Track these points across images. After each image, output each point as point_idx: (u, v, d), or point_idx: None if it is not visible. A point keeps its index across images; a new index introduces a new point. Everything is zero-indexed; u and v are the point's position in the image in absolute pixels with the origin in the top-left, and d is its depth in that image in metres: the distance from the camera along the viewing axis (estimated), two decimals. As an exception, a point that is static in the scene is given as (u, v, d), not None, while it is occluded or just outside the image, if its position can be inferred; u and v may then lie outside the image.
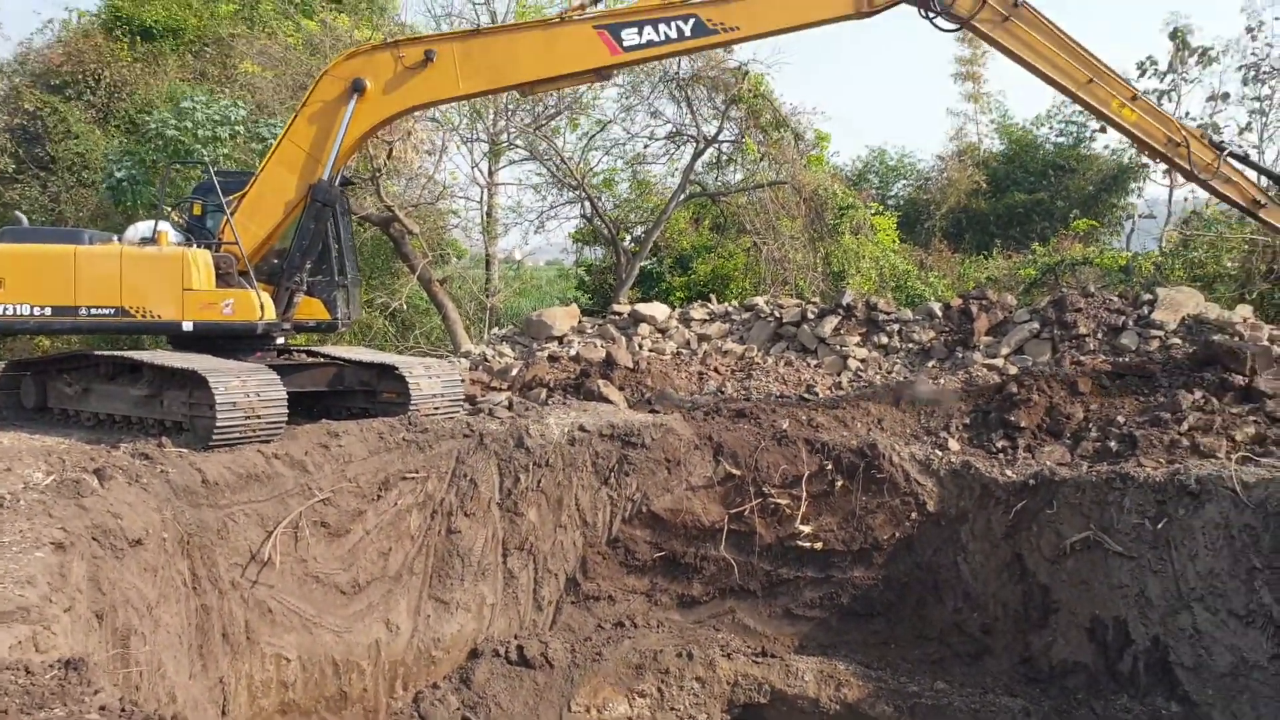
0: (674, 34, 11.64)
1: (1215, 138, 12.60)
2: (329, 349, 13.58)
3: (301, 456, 10.61)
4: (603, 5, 12.13)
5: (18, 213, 16.22)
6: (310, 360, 12.79)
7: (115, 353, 11.76)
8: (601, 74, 12.13)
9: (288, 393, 11.07)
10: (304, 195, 12.17)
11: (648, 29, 11.64)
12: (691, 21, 11.59)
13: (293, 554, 10.31)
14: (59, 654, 5.84)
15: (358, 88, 11.82)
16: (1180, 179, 28.37)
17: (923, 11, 11.92)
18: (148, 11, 26.35)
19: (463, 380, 13.63)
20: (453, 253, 27.37)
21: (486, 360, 17.64)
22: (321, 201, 12.15)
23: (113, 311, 11.56)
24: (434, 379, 12.55)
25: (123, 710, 4.47)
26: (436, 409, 12.42)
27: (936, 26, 12.05)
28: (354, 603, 10.89)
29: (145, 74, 24.62)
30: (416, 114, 20.85)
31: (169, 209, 15.44)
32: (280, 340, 12.82)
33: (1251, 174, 13.20)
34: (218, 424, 10.22)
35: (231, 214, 12.13)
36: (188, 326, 11.56)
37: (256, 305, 11.65)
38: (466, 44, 11.80)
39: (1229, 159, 12.50)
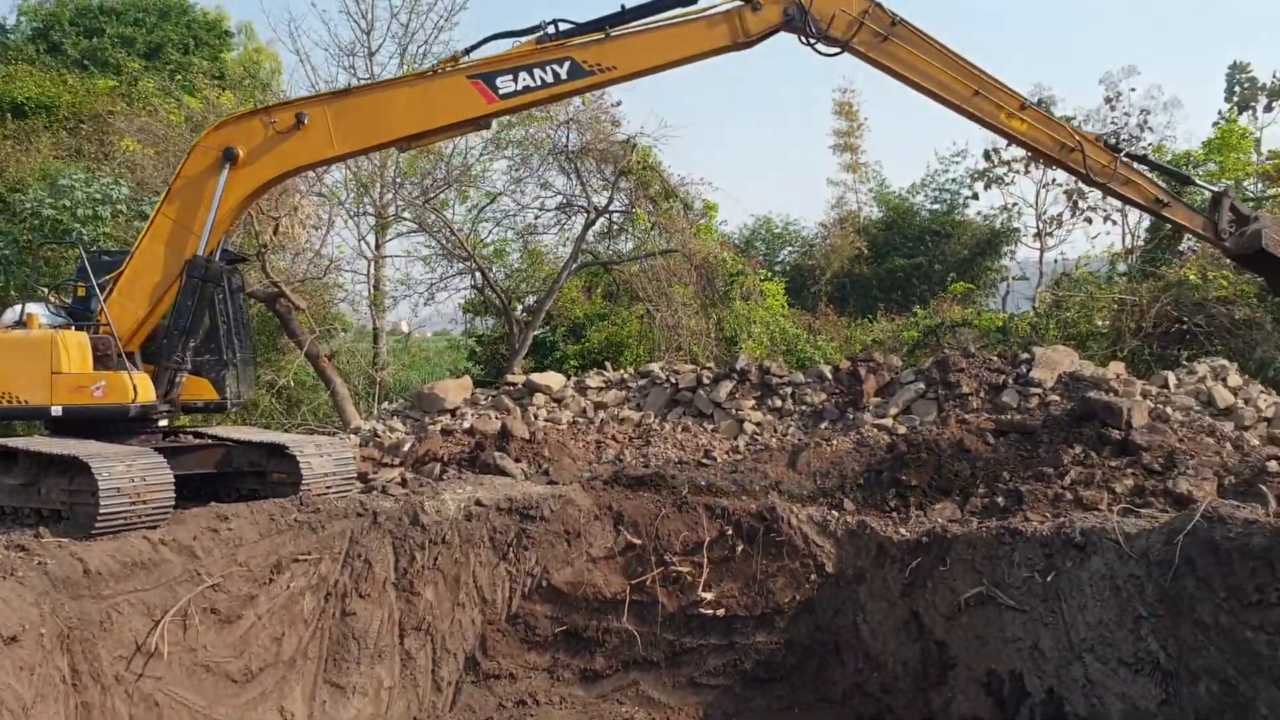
0: (550, 78, 11.49)
1: (1111, 140, 12.58)
2: (217, 429, 13.18)
3: (190, 541, 10.23)
4: (477, 56, 11.94)
5: None
6: (197, 442, 12.39)
7: None
8: (479, 124, 11.86)
9: (175, 476, 10.70)
10: (180, 271, 11.79)
11: (523, 75, 11.47)
12: (567, 64, 11.45)
13: (181, 643, 9.88)
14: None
15: (229, 156, 11.49)
16: (1051, 242, 29.92)
17: (802, 39, 11.68)
18: (19, 88, 25.66)
19: (354, 458, 13.35)
20: (340, 327, 26.98)
21: (377, 436, 17.32)
22: (198, 277, 11.74)
23: None
24: (325, 457, 12.27)
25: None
26: (329, 488, 12.13)
27: (817, 52, 11.78)
28: (246, 691, 10.46)
29: (16, 151, 23.84)
30: (299, 180, 20.66)
31: (44, 290, 14.92)
32: (164, 422, 12.38)
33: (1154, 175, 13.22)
34: (101, 511, 9.81)
35: (108, 294, 11.76)
36: (56, 411, 11.10)
37: (129, 387, 11.20)
38: (338, 104, 11.55)
39: (1126, 159, 12.19)
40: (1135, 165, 12.41)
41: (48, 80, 26.41)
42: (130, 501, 10.07)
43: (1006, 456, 13.40)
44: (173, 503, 10.59)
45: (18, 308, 11.98)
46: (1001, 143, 29.61)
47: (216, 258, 12.15)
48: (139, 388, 11.38)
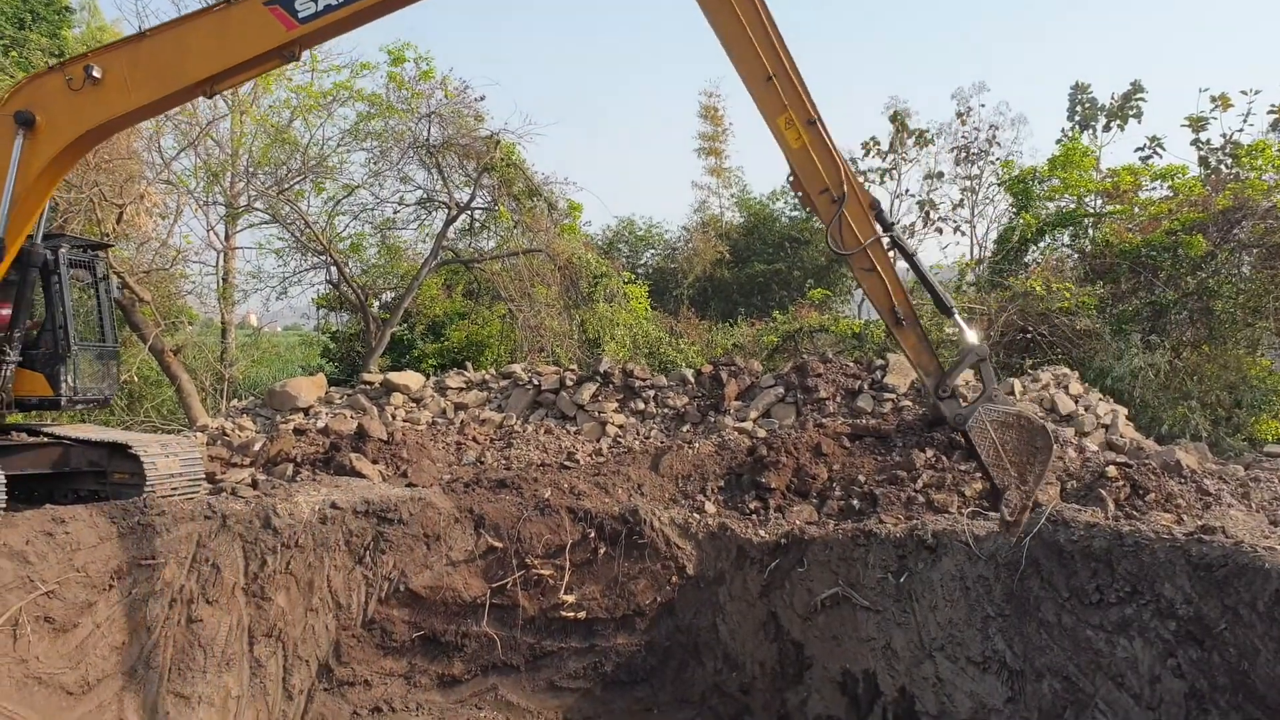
0: None
1: (888, 218, 9.61)
2: (54, 428, 12.40)
3: (22, 546, 9.59)
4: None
5: None
6: (31, 440, 11.64)
7: None
8: (284, 54, 10.51)
9: (5, 476, 10.02)
10: None
11: None
12: None
13: (11, 654, 9.26)
14: None
15: (22, 121, 10.52)
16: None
17: None
18: None
19: (202, 457, 12.78)
20: (186, 320, 25.85)
21: (225, 434, 16.67)
22: None
23: None
24: (171, 457, 11.71)
25: None
26: (174, 490, 11.58)
27: None
28: (82, 703, 9.88)
29: None
30: (144, 167, 19.70)
31: None
32: None
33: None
34: None
35: None
36: None
37: None
38: (133, 50, 10.53)
39: (890, 240, 9.56)
40: (906, 262, 9.82)
41: None
42: None
43: (862, 460, 13.74)
44: (4, 505, 9.93)
45: None
46: (859, 152, 30.56)
47: (38, 240, 11.36)
48: None
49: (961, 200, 30.38)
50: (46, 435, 11.83)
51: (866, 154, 30.53)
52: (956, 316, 9.59)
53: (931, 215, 29.83)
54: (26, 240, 11.13)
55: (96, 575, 10.12)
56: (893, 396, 15.62)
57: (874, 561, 11.65)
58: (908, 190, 31.16)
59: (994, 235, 29.06)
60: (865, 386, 16.04)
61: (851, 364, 16.94)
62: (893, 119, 30.20)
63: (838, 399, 15.88)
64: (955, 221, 29.85)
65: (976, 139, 29.91)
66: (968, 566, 10.87)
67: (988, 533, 10.99)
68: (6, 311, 11.44)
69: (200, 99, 13.85)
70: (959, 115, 30.18)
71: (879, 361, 16.77)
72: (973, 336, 9.48)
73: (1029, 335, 19.54)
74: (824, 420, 15.16)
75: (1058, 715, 9.90)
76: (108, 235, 18.43)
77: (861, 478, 13.31)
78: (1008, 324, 19.59)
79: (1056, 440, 9.23)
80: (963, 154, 30.06)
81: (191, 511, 11.23)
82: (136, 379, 22.16)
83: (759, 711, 12.35)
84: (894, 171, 30.71)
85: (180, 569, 10.88)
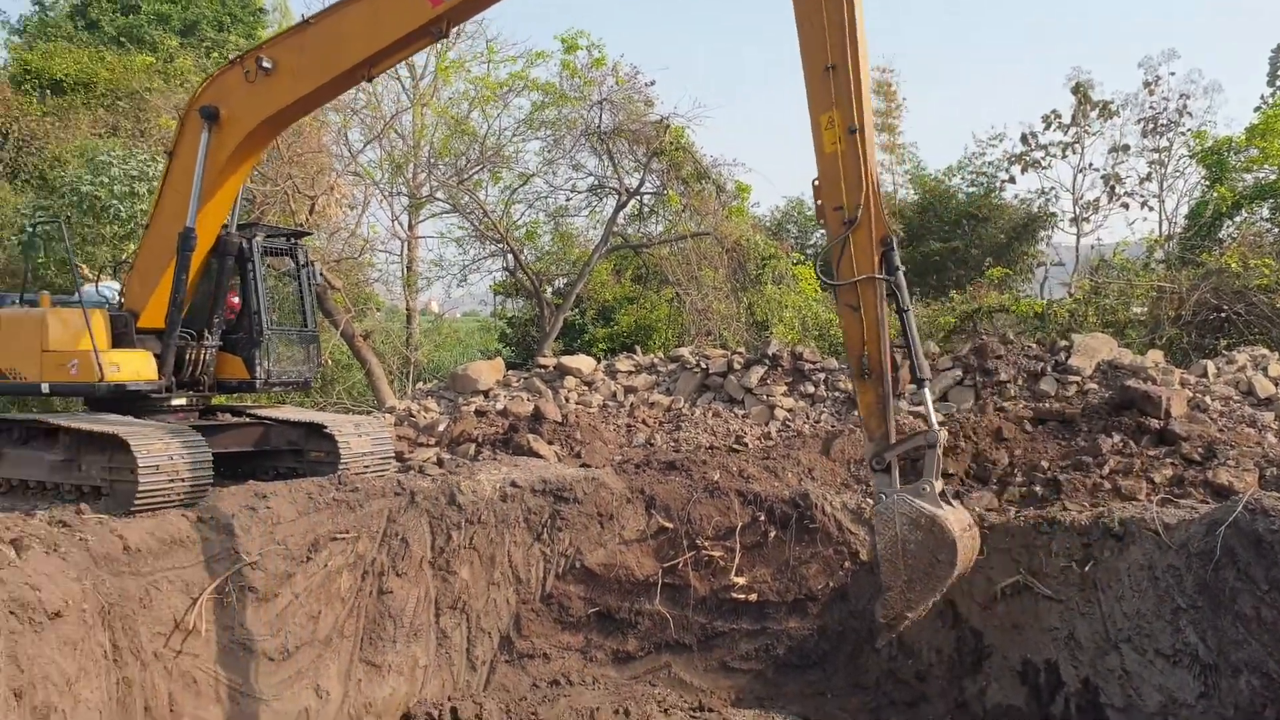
0: None
1: (896, 261, 8.40)
2: (256, 409, 13.21)
3: (228, 519, 10.29)
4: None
5: None
6: (235, 420, 12.46)
7: (29, 416, 11.36)
8: (432, 31, 10.63)
9: (213, 454, 10.76)
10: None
11: None
12: None
13: (219, 621, 9.96)
14: (-20, 738, 5.55)
15: (208, 115, 11.12)
16: (1088, 227, 29.62)
17: None
18: (58, 65, 25.89)
19: (392, 438, 13.40)
20: (373, 306, 27.13)
21: (412, 415, 17.41)
22: (184, 250, 11.26)
23: None
24: (364, 437, 12.32)
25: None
26: (367, 468, 12.19)
27: None
28: (282, 669, 10.54)
29: (55, 128, 24.07)
30: (334, 160, 20.69)
31: (79, 264, 15.02)
32: (179, 400, 12.08)
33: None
34: (140, 488, 9.89)
35: (131, 270, 11.79)
36: (45, 388, 11.20)
37: (95, 366, 11.00)
38: (299, 38, 11.03)
39: (884, 281, 8.40)
40: (898, 316, 8.71)
41: (86, 57, 26.61)
42: (168, 479, 10.14)
43: (1045, 445, 13.30)
44: (211, 481, 10.66)
45: (91, 287, 12.15)
46: (1040, 126, 29.40)
47: (233, 229, 12.02)
48: (119, 366, 11.17)
49: (1149, 174, 28.91)
50: (249, 416, 12.62)
51: (1047, 127, 29.39)
52: (926, 392, 8.73)
53: (1117, 190, 28.46)
54: (221, 230, 11.87)
55: (295, 547, 10.75)
56: (1078, 379, 15.03)
57: (1057, 549, 11.26)
58: (1091, 164, 29.85)
59: (1185, 210, 27.58)
60: (1048, 369, 15.49)
61: (1034, 345, 16.38)
62: (1075, 90, 28.93)
63: (1019, 382, 15.39)
64: (1143, 196, 28.40)
65: (1165, 109, 28.32)
66: (1157, 556, 10.40)
67: (1179, 521, 10.49)
68: (235, 300, 12.22)
69: (366, 87, 14.10)
70: (1146, 85, 28.63)
71: (1063, 342, 16.15)
72: (934, 420, 8.50)
73: (1223, 314, 18.49)
74: (1004, 404, 14.72)
75: (1256, 713, 9.39)
76: (301, 225, 19.49)
77: (1044, 463, 12.87)
78: (1200, 302, 18.60)
79: (957, 564, 8.09)
80: (1150, 125, 28.50)
81: (382, 488, 11.80)
82: (329, 363, 23.41)
83: (935, 699, 12.13)
84: (1076, 145, 29.46)
85: (372, 543, 11.45)
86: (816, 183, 8.62)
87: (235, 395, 13.65)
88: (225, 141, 11.28)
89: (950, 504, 8.43)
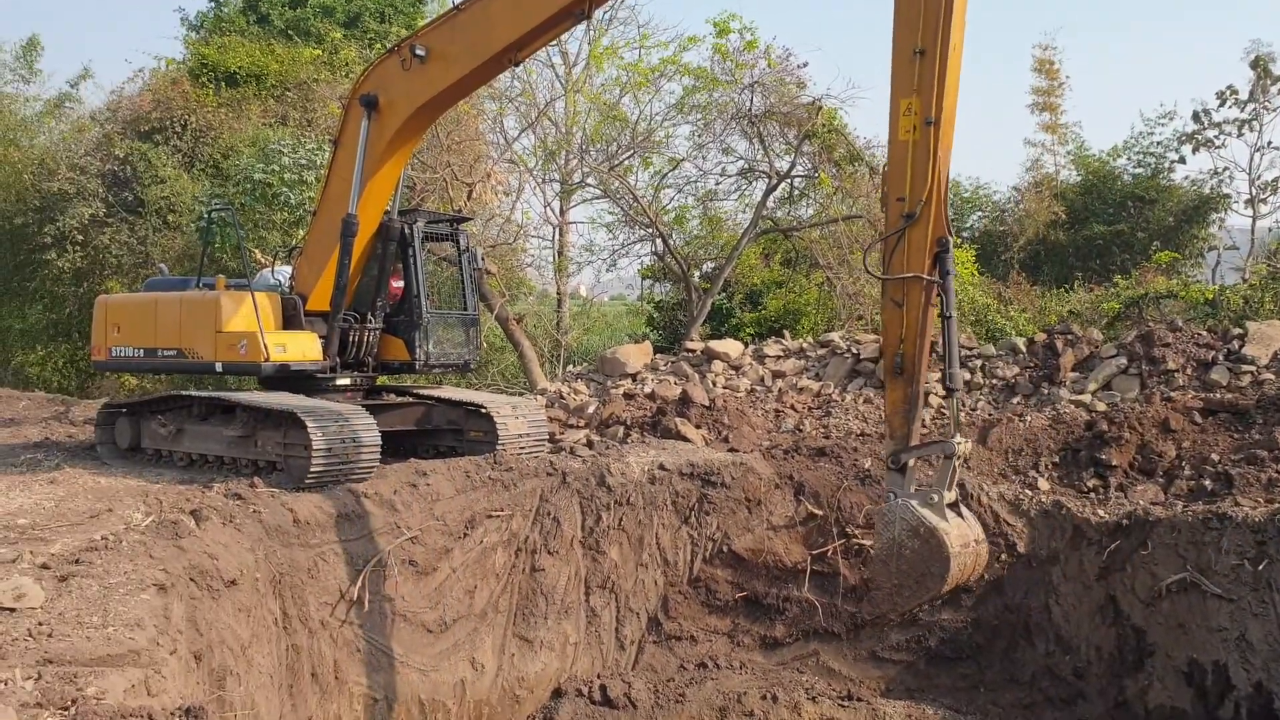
0: None
1: (950, 265, 8.15)
2: (419, 389, 13.64)
3: (390, 495, 10.71)
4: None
5: (161, 265, 16.89)
6: (399, 400, 12.91)
7: (209, 394, 12.01)
8: (575, 13, 10.66)
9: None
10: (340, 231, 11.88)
11: None
12: None
13: (381, 593, 10.38)
14: (169, 698, 5.91)
15: (368, 103, 11.51)
16: (1265, 208, 27.97)
17: None
18: (232, 58, 27.16)
19: (545, 419, 13.66)
20: (526, 290, 27.69)
21: (563, 398, 17.73)
22: (347, 235, 11.67)
23: (174, 353, 12.02)
24: (520, 419, 12.61)
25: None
26: (522, 449, 12.47)
27: None
28: (440, 641, 10.92)
29: (229, 119, 25.31)
30: (490, 148, 21.15)
31: (252, 249, 15.76)
32: (344, 380, 12.49)
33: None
34: (313, 466, 10.36)
35: (298, 256, 12.34)
36: (218, 367, 11.74)
37: (261, 347, 11.44)
38: (450, 25, 11.23)
39: (932, 283, 8.14)
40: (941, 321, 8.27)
41: (257, 50, 27.85)
42: (341, 460, 10.60)
43: (1215, 437, 12.68)
44: (379, 459, 11.08)
45: (267, 270, 12.81)
46: (1214, 103, 27.88)
47: (394, 215, 12.41)
48: (285, 346, 11.63)
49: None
50: (412, 396, 13.06)
51: (1222, 104, 27.84)
52: (955, 401, 8.62)
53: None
54: (384, 216, 12.30)
55: (453, 524, 11.11)
56: (1252, 369, 14.24)
57: (1228, 546, 10.74)
58: (1270, 142, 28.15)
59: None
60: (1220, 357, 14.72)
61: (1204, 332, 15.58)
62: (1254, 64, 27.29)
63: (1188, 371, 14.69)
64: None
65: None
66: (1340, 556, 9.82)
67: (1368, 522, 9.87)
68: (399, 284, 12.67)
69: (521, 74, 14.07)
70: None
71: (1236, 330, 15.32)
72: (957, 432, 8.33)
73: None
74: (1172, 394, 14.06)
75: None
76: (460, 210, 20.03)
77: (1215, 456, 12.27)
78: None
79: (948, 579, 7.91)
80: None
81: (536, 468, 12.08)
82: (485, 345, 24.05)
83: (1094, 697, 11.73)
84: (1254, 122, 27.81)
85: (526, 521, 11.74)
86: (885, 169, 8.45)
87: (397, 376, 14.12)
88: (384, 128, 11.65)
89: (961, 516, 8.34)
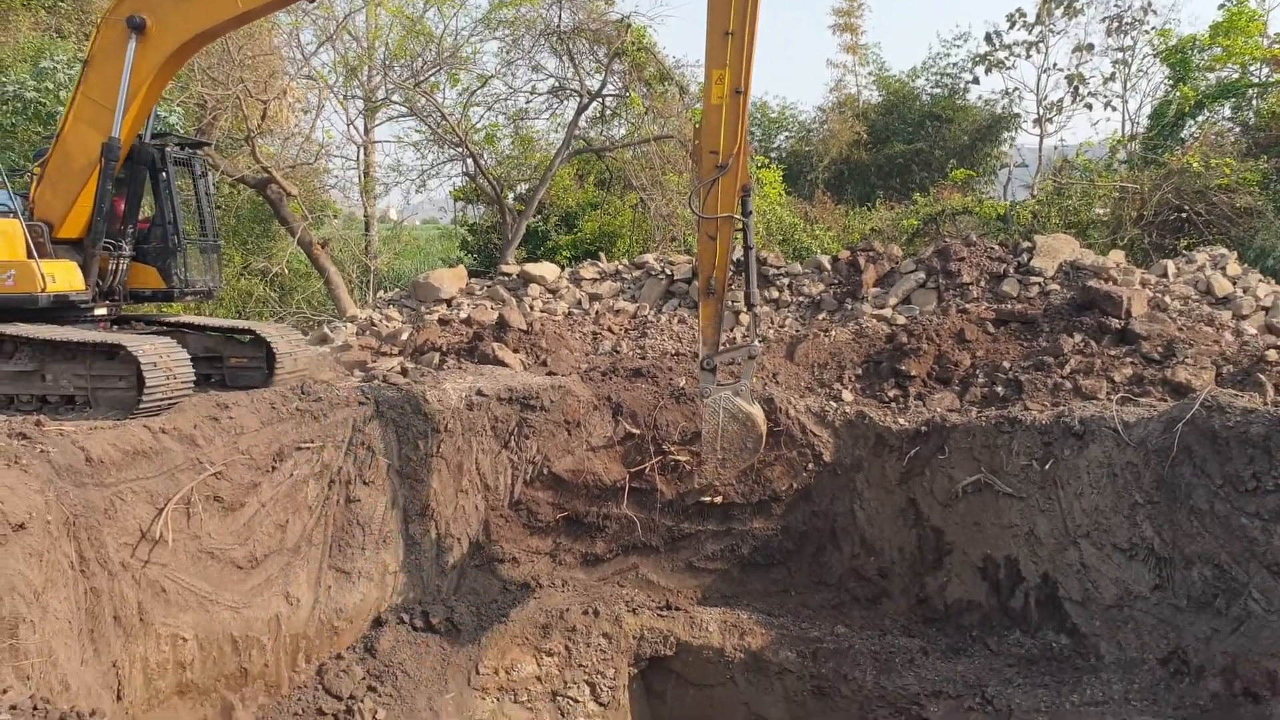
0: None
1: (750, 205, 10.09)
2: (165, 318, 12.98)
3: (190, 430, 10.21)
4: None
5: None
6: (149, 330, 12.21)
7: None
8: None
9: None
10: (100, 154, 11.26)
11: None
12: None
13: (185, 531, 9.94)
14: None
15: (134, 26, 10.83)
16: (1051, 128, 29.58)
17: None
18: (-9, -38, 24.71)
19: (303, 342, 13.14)
20: (331, 214, 26.64)
21: (374, 325, 17.25)
22: (112, 159, 11.12)
23: None
24: (286, 340, 12.19)
25: (35, 708, 4.22)
26: (292, 374, 12.07)
27: None
28: (251, 577, 10.58)
29: (-6, 30, 23.11)
30: (286, 63, 20.12)
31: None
32: (101, 310, 11.87)
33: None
34: (146, 389, 9.87)
35: (37, 180, 11.46)
36: None
37: (37, 276, 10.80)
38: None
39: (737, 221, 10.10)
40: (742, 250, 10.39)
41: (23, -45, 25.41)
42: (166, 378, 10.10)
43: (1007, 346, 13.44)
44: (194, 381, 10.62)
45: None
46: (1004, 25, 29.10)
47: (147, 138, 11.75)
48: (55, 276, 10.98)
49: (1113, 74, 28.66)
50: (161, 323, 12.43)
51: (1011, 26, 28.99)
52: (754, 314, 10.69)
53: (1080, 90, 28.28)
54: (136, 139, 11.57)
55: (259, 458, 10.71)
56: (1039, 280, 15.11)
57: (1018, 448, 11.47)
58: (1055, 64, 29.84)
59: (1148, 110, 27.49)
60: (1011, 270, 15.54)
61: (996, 247, 16.41)
62: (1040, -11, 28.51)
63: (982, 284, 15.45)
64: (1106, 96, 28.18)
65: (1130, 7, 27.97)
66: (1116, 453, 10.61)
67: (1137, 419, 10.69)
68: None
69: None
70: (1111, -19, 28.28)
71: (1025, 244, 16.20)
72: (756, 337, 10.78)
73: (1184, 215, 18.63)
74: (967, 306, 14.80)
75: (1208, 603, 9.70)
76: (253, 131, 18.98)
77: (1006, 364, 13.02)
78: (1162, 203, 18.69)
79: (763, 447, 10.70)
80: (1115, 24, 28.14)
81: (347, 398, 11.74)
82: (287, 271, 23.07)
83: (897, 595, 12.44)
84: (1040, 45, 29.12)
85: (338, 452, 11.43)
86: (697, 125, 10.13)
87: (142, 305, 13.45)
88: (153, 53, 11.02)
89: (756, 404, 10.66)
